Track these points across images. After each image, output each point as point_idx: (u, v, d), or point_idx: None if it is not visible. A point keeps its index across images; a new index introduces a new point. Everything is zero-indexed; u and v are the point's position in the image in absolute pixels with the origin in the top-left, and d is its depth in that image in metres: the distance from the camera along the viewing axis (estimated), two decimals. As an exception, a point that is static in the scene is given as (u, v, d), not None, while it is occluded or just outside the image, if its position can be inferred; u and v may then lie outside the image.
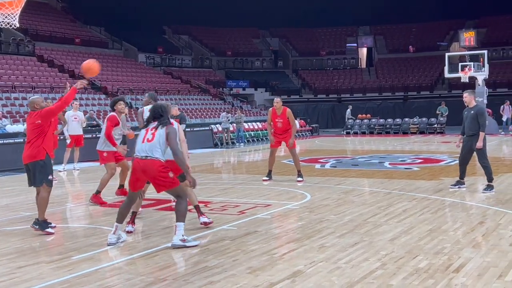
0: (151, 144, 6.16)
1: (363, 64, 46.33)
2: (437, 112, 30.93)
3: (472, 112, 9.73)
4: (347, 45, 46.77)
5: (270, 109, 12.06)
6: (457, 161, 10.37)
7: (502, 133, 26.27)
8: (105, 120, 9.29)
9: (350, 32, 47.62)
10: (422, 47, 43.20)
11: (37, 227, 7.11)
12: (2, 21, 5.58)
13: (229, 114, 26.70)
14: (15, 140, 16.52)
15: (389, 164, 14.85)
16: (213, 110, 32.45)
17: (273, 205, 8.88)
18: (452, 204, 8.68)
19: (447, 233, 6.63)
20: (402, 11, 44.46)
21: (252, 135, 27.22)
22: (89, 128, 18.31)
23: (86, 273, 5.28)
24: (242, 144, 25.24)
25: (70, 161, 14.88)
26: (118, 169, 9.60)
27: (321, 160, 15.96)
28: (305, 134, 30.79)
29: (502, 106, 27.50)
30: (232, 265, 5.45)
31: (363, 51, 46.94)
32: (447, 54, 28.44)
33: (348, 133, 31.68)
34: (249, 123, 28.12)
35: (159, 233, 7.02)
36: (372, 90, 40.55)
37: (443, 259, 5.48)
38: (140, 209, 7.69)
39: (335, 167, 14.56)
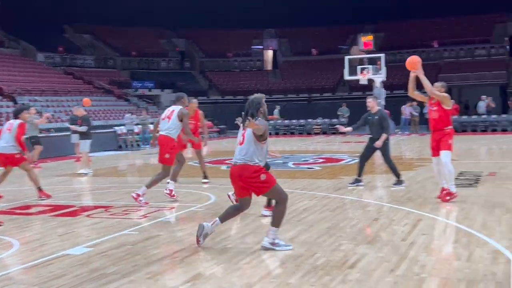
0: (242, 147, 5.94)
1: (269, 66, 47.06)
2: (339, 113, 32.06)
3: (376, 117, 10.18)
4: (253, 47, 47.34)
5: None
6: (357, 160, 10.79)
7: (399, 132, 27.64)
8: (16, 127, 9.72)
9: (256, 35, 48.23)
10: (325, 50, 44.55)
11: None
12: None
13: (134, 116, 26.15)
14: None
15: (293, 164, 15.18)
16: (117, 111, 31.67)
17: (177, 207, 8.80)
18: (350, 202, 9.00)
19: (344, 230, 6.86)
20: (305, 15, 45.69)
21: (158, 137, 26.79)
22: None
23: (-28, 286, 4.97)
24: (147, 146, 24.81)
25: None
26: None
27: (227, 162, 16.01)
28: (213, 135, 30.81)
29: (403, 107, 29.07)
30: (131, 270, 5.33)
31: (269, 53, 47.68)
32: (346, 57, 29.49)
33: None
34: (155, 125, 27.66)
35: (55, 240, 6.73)
36: (277, 92, 41.28)
37: (339, 256, 5.66)
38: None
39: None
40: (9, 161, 9.71)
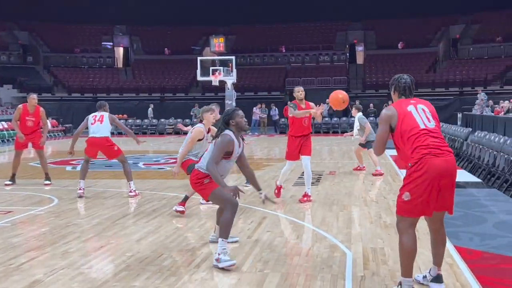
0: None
1: (120, 63, 45.83)
2: (192, 113, 32.16)
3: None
4: (103, 43, 45.78)
5: (20, 106, 11.20)
6: None
7: (249, 133, 28.43)
8: None
9: (106, 31, 46.70)
10: (178, 50, 44.42)
11: None
12: None
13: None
14: None
15: (143, 164, 14.93)
16: None
17: (15, 211, 8.21)
18: (200, 201, 9.05)
19: (192, 230, 6.89)
20: (157, 14, 45.17)
21: (-3, 135, 24.88)
22: None
23: None
24: (-16, 145, 22.90)
25: None
26: None
27: (73, 162, 15.29)
28: (58, 134, 29.26)
29: (254, 108, 29.96)
30: (-42, 281, 4.87)
31: (120, 51, 46.42)
32: (199, 58, 29.69)
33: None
34: (-7, 123, 25.66)
35: None
36: (129, 91, 40.35)
37: (186, 256, 5.67)
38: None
39: (89, 169, 14.07)
40: None
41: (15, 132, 11.40)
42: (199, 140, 7.93)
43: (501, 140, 11.93)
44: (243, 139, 5.84)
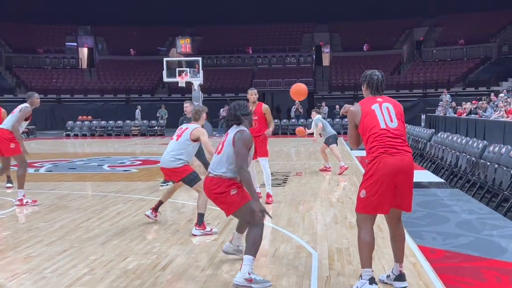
0: (219, 157, 4.96)
1: (84, 64, 45.15)
2: (158, 114, 31.94)
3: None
4: (67, 44, 45.02)
5: None
6: None
7: (217, 135, 28.38)
8: None
9: (70, 31, 45.96)
10: (143, 51, 44.01)
11: None
12: None
13: None
14: None
15: (108, 166, 14.74)
16: None
17: (-26, 215, 7.99)
18: (168, 202, 8.97)
19: (158, 232, 6.83)
20: (122, 14, 44.65)
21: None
22: None
23: None
24: None
25: None
26: None
27: (35, 164, 15.00)
28: (21, 136, 28.61)
29: (221, 110, 29.94)
30: None
31: (84, 51, 45.72)
32: (165, 59, 29.49)
33: (68, 135, 30.56)
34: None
35: None
36: (93, 92, 39.78)
37: (151, 259, 5.62)
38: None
39: (51, 171, 13.86)
40: None
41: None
42: (196, 141, 7.20)
43: (463, 141, 12.19)
44: None
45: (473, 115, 20.30)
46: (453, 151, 12.33)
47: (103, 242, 6.34)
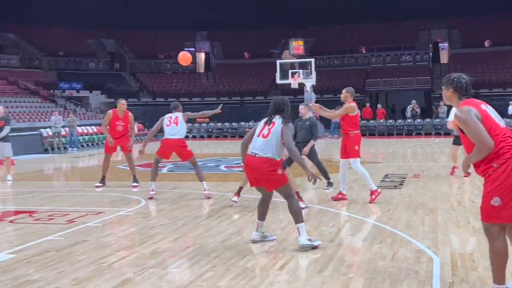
0: (266, 140, 5.99)
1: (201, 68, 46.90)
2: (271, 116, 32.32)
3: (307, 123, 10.37)
4: (185, 49, 46.97)
5: (110, 111, 11.68)
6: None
7: (329, 136, 28.24)
8: None
9: (188, 37, 47.94)
10: (257, 53, 44.87)
11: None
12: None
13: (60, 117, 25.29)
14: None
15: (225, 167, 15.19)
16: (43, 113, 30.61)
17: (105, 212, 8.59)
18: (281, 204, 9.08)
19: (274, 232, 6.92)
20: (238, 18, 45.82)
21: (87, 139, 26.12)
22: None
23: None
24: (75, 149, 24.12)
25: None
26: None
27: (159, 165, 15.78)
28: (144, 138, 30.32)
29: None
30: (57, 277, 5.16)
31: (201, 56, 47.52)
32: (278, 61, 29.83)
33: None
34: (83, 127, 26.98)
35: (-25, 247, 6.42)
36: (210, 95, 41.20)
37: (269, 258, 5.72)
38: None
39: (172, 171, 14.54)
40: None
41: (105, 136, 11.90)
42: None
43: None
44: None
45: None
46: None
47: (222, 240, 6.54)
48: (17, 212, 8.85)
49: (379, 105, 32.49)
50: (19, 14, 41.60)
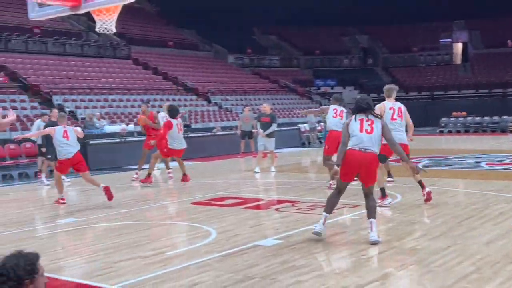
0: (372, 136, 6.27)
1: (458, 60, 44.52)
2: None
3: None
4: (441, 40, 45.15)
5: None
6: None
7: None
8: None
9: (444, 28, 45.89)
10: (523, 41, 40.83)
11: None
12: (100, 27, 5.88)
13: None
14: (112, 140, 17.36)
15: (486, 164, 14.17)
16: (300, 109, 32.41)
17: (361, 205, 8.70)
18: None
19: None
20: (499, 5, 42.25)
21: (341, 134, 26.79)
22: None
23: (177, 269, 5.45)
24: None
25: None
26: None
27: (413, 160, 15.48)
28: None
29: None
30: (320, 265, 5.43)
31: (458, 46, 45.10)
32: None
33: (441, 132, 30.59)
34: (338, 122, 27.74)
35: (247, 231, 7.11)
36: (467, 87, 38.83)
37: (544, 266, 5.17)
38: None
39: (428, 167, 14.09)
40: None
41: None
42: None
43: None
44: None
45: None
46: None
47: (487, 242, 6.12)
48: (280, 201, 9.54)
49: None
50: (280, 17, 44.67)
